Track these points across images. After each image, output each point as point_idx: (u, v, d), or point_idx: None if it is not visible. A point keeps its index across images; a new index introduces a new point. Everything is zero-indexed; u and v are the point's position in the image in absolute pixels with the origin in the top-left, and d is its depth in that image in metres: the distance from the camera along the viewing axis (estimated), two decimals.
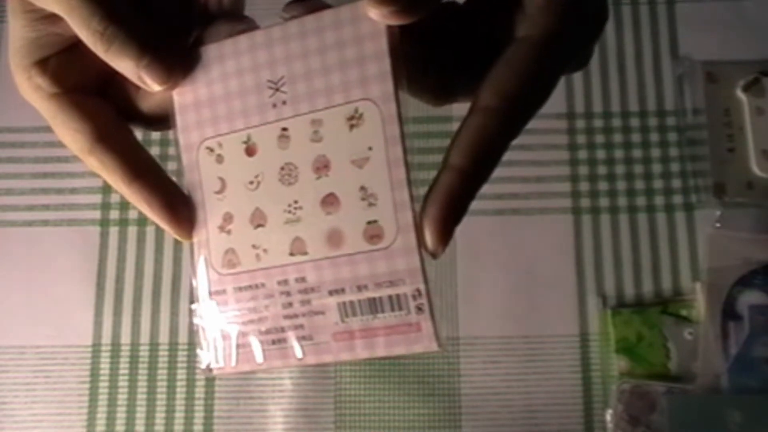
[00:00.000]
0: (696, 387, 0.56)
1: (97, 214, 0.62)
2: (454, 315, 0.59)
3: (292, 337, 0.32)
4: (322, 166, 0.31)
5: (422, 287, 0.30)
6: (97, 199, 0.62)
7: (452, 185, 0.31)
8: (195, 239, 0.34)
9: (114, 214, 0.62)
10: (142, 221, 0.62)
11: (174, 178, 0.34)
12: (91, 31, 0.30)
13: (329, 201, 0.31)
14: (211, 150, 0.34)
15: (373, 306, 0.31)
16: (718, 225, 0.59)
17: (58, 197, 0.62)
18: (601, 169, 0.61)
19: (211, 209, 0.34)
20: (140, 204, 0.33)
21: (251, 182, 0.33)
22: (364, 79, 0.30)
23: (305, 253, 0.32)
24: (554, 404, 0.57)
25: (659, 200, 0.60)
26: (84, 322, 0.60)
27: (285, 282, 0.32)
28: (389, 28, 0.29)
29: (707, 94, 0.61)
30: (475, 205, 0.61)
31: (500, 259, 0.60)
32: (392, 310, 0.30)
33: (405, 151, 0.30)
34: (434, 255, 0.29)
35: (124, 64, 0.30)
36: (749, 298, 0.57)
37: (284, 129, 0.32)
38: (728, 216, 0.59)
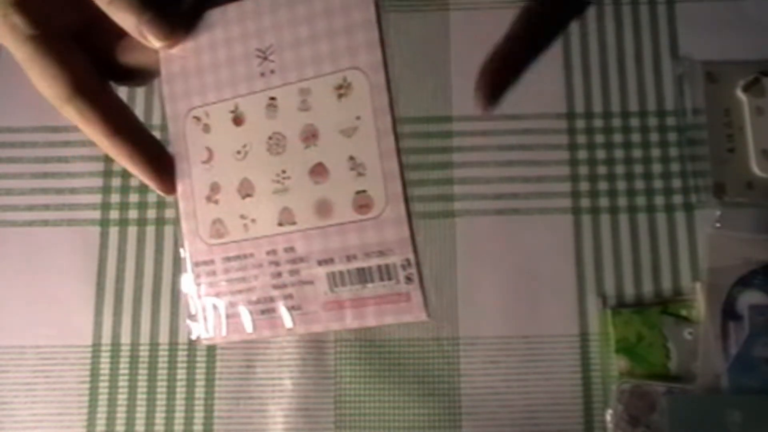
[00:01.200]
0: (696, 387, 0.56)
1: (97, 214, 0.62)
2: (454, 315, 0.59)
3: (281, 306, 0.32)
4: (310, 136, 0.31)
5: (411, 257, 0.30)
6: (97, 199, 0.62)
7: (505, 46, 0.32)
8: (182, 209, 0.34)
9: (114, 214, 0.62)
10: (142, 221, 0.62)
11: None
12: None
13: (318, 171, 0.31)
14: (198, 119, 0.33)
15: (363, 276, 0.31)
16: (718, 225, 0.59)
17: (58, 197, 0.62)
18: (601, 169, 0.61)
19: (198, 179, 0.33)
20: (122, 158, 0.33)
21: (239, 152, 0.33)
22: (353, 48, 0.30)
23: (294, 223, 0.32)
24: (554, 404, 0.57)
25: (659, 200, 0.60)
26: (84, 322, 0.60)
27: (274, 252, 0.32)
28: None
29: (707, 94, 0.61)
30: (475, 205, 0.61)
31: (500, 259, 0.60)
32: (381, 279, 0.30)
33: (394, 120, 0.30)
34: (485, 109, 0.30)
35: (126, 17, 0.30)
36: (749, 298, 0.57)
37: (272, 98, 0.32)
38: (728, 216, 0.59)
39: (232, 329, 0.33)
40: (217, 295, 0.33)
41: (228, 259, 0.33)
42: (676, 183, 0.61)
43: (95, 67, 0.33)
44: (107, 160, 0.63)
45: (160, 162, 0.33)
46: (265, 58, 0.32)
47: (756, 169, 0.59)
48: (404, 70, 0.63)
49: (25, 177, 0.63)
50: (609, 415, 0.56)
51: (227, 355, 0.59)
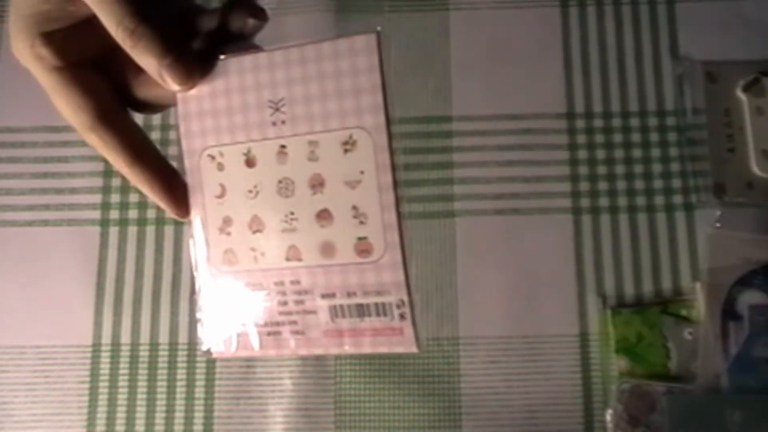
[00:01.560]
0: (696, 387, 0.56)
1: (97, 214, 0.62)
2: (454, 315, 0.59)
3: (286, 330, 0.35)
4: (317, 184, 0.34)
5: (406, 298, 0.33)
6: (97, 199, 0.62)
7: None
8: (196, 237, 0.36)
9: (114, 214, 0.62)
10: (142, 221, 0.62)
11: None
12: (122, 27, 0.31)
13: (323, 215, 0.34)
14: (213, 158, 0.36)
15: (361, 310, 0.34)
16: (718, 225, 0.59)
17: (58, 197, 0.62)
18: (601, 169, 0.61)
19: (212, 211, 0.36)
20: (140, 184, 0.35)
21: (250, 191, 0.35)
22: (359, 109, 0.33)
23: (300, 260, 0.34)
24: (554, 404, 0.57)
25: (659, 200, 0.60)
26: (84, 322, 0.60)
27: (281, 283, 0.35)
28: (381, 63, 0.32)
29: (707, 94, 0.61)
30: (475, 204, 0.61)
31: (500, 259, 0.60)
32: (378, 315, 0.33)
33: (395, 177, 0.33)
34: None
35: (148, 61, 0.32)
36: (749, 298, 0.57)
37: (283, 146, 0.34)
38: (728, 216, 0.59)
39: (242, 346, 0.36)
40: (229, 315, 0.36)
41: (238, 285, 0.36)
42: (676, 183, 0.61)
43: (117, 97, 0.35)
44: (107, 160, 0.62)
45: (177, 188, 0.36)
46: (277, 109, 0.34)
47: (756, 169, 0.59)
48: (404, 70, 0.63)
49: (25, 177, 0.63)
50: (609, 415, 0.56)
51: None
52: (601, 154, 0.61)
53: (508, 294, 0.59)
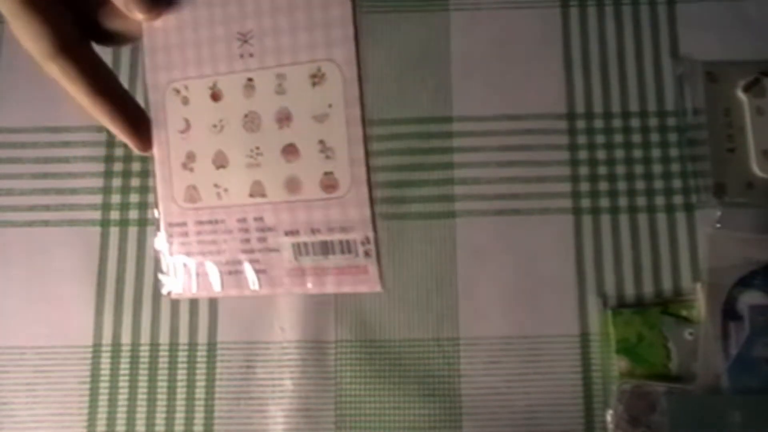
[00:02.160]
0: (696, 387, 0.56)
1: (97, 215, 0.62)
2: (454, 315, 0.59)
3: (248, 269, 0.35)
4: (284, 118, 0.33)
5: (371, 235, 0.32)
6: (97, 199, 0.62)
7: None
8: (158, 173, 0.36)
9: (114, 215, 0.62)
10: (143, 222, 0.62)
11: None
12: None
13: (289, 150, 0.33)
14: (178, 92, 0.35)
15: (325, 248, 0.33)
16: (718, 225, 0.59)
17: (59, 197, 0.62)
18: (602, 170, 0.61)
19: (175, 147, 0.35)
20: (104, 118, 0.34)
21: (215, 125, 0.35)
22: (329, 42, 0.32)
23: (264, 196, 0.34)
24: (555, 404, 0.57)
25: (660, 200, 0.60)
26: (84, 323, 0.60)
27: (244, 220, 0.34)
28: None
29: (707, 94, 0.61)
30: (475, 205, 0.61)
31: (500, 259, 0.60)
32: (342, 252, 0.33)
33: (363, 111, 0.32)
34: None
35: None
36: (749, 299, 0.57)
37: (250, 79, 0.34)
38: (728, 216, 0.59)
39: (202, 287, 0.35)
40: (188, 254, 0.36)
41: (200, 222, 0.35)
42: (677, 183, 0.61)
43: (79, 27, 0.34)
44: (108, 160, 0.63)
45: (139, 123, 0.35)
46: (245, 41, 0.34)
47: (756, 169, 0.59)
48: (404, 70, 0.63)
49: (25, 177, 0.63)
50: (609, 415, 0.56)
51: (228, 356, 0.59)
52: (601, 154, 0.61)
53: (509, 294, 0.59)
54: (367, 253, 0.32)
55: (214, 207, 0.35)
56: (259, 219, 0.34)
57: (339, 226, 0.33)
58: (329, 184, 0.33)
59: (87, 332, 0.60)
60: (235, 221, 0.34)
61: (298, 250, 0.33)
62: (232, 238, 0.34)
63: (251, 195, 0.34)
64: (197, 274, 0.35)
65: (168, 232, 0.36)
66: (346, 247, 0.33)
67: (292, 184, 0.33)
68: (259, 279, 0.34)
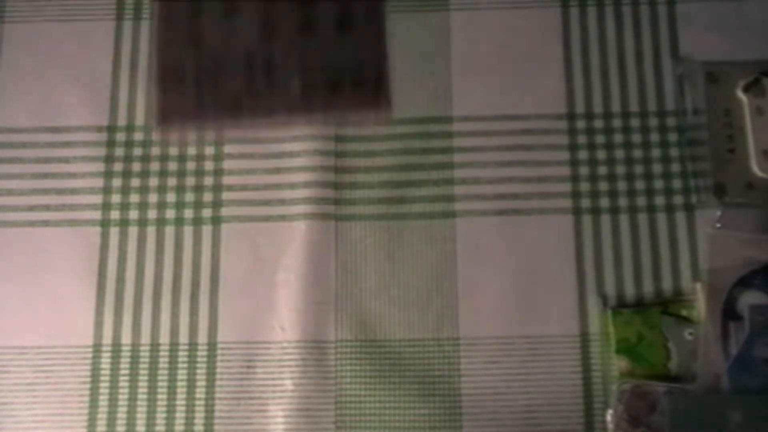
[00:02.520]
0: (696, 387, 0.56)
1: (97, 215, 0.62)
2: (454, 315, 0.59)
3: (250, 102, 0.34)
4: None
5: (384, 65, 0.33)
6: (97, 199, 0.62)
7: None
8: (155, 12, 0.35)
9: (115, 215, 0.62)
10: (143, 222, 0.62)
11: None
12: None
13: None
14: None
15: (335, 81, 0.33)
16: (718, 225, 0.59)
17: (59, 198, 0.62)
18: (602, 170, 0.61)
19: None
20: None
21: None
22: None
23: (275, 29, 0.34)
24: (554, 404, 0.57)
25: (660, 200, 0.60)
26: (85, 323, 0.60)
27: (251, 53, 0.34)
28: None
29: (707, 94, 0.61)
30: (475, 205, 0.61)
31: (500, 259, 0.60)
32: (353, 84, 0.33)
33: None
34: None
35: None
36: (749, 299, 0.57)
37: None
38: (728, 216, 0.59)
39: (200, 120, 0.35)
40: (188, 85, 0.35)
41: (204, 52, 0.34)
42: (677, 183, 0.61)
43: None
44: (108, 160, 0.63)
45: None
46: None
47: (756, 170, 0.59)
48: (404, 70, 0.63)
49: (25, 177, 0.63)
50: (609, 415, 0.56)
51: (228, 356, 0.59)
52: (601, 154, 0.61)
53: (509, 294, 0.59)
54: (377, 84, 0.32)
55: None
56: (268, 50, 0.33)
57: (351, 57, 0.32)
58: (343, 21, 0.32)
59: (87, 332, 0.60)
60: (242, 55, 0.34)
61: (307, 82, 0.33)
62: (236, 70, 0.34)
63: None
64: (195, 108, 0.35)
65: (166, 60, 0.35)
66: (358, 78, 0.33)
67: (306, 21, 0.32)
68: (259, 112, 0.34)
